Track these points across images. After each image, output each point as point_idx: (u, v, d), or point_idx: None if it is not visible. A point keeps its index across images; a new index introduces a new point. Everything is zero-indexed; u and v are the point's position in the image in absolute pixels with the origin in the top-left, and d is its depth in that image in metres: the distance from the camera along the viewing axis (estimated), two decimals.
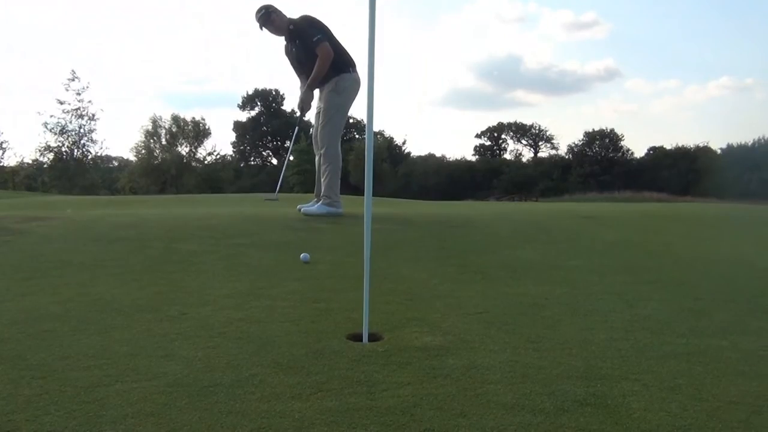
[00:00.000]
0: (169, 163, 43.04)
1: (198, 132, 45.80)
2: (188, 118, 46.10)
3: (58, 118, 31.95)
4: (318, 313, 2.70)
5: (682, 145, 57.11)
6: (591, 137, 61.33)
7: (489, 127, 71.48)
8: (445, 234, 5.44)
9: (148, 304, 2.82)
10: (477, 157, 68.98)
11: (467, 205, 13.08)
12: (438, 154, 68.27)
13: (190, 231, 4.94)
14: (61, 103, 31.90)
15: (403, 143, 61.56)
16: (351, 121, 65.99)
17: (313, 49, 5.54)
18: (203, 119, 46.41)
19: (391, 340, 2.34)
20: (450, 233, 5.50)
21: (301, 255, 3.43)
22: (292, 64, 5.96)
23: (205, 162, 46.19)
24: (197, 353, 2.14)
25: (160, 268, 3.62)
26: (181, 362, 2.04)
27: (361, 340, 2.33)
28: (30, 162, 33.87)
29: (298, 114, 6.25)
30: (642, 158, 60.47)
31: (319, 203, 5.85)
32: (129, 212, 6.86)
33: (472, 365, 2.06)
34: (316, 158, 6.00)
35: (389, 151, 53.62)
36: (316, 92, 5.94)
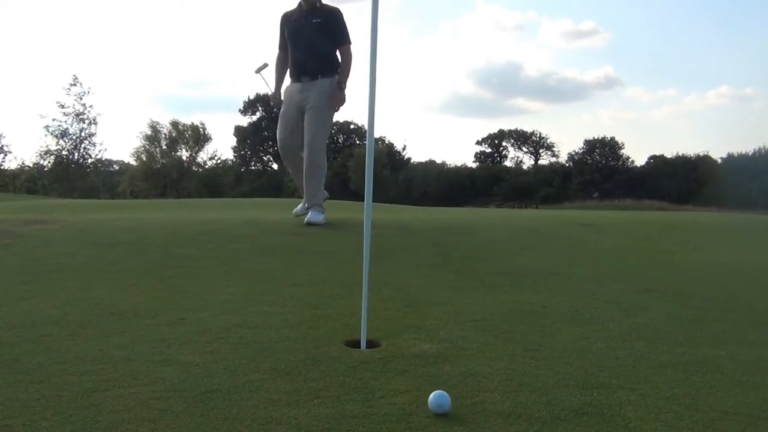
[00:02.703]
0: (169, 168, 43.13)
1: (198, 137, 45.90)
2: (188, 123, 46.29)
3: (60, 122, 32.04)
4: (316, 319, 2.70)
5: (683, 154, 57.18)
6: (591, 145, 61.37)
7: (490, 134, 71.49)
8: (445, 240, 5.44)
9: (147, 308, 2.82)
10: (477, 163, 69.02)
11: (467, 212, 13.08)
12: (438, 161, 68.35)
13: (189, 235, 4.94)
14: (62, 106, 31.99)
15: (404, 149, 61.54)
16: (351, 126, 65.95)
17: (341, 43, 5.44)
18: (203, 124, 46.59)
19: (388, 347, 2.34)
20: (449, 240, 5.50)
21: (433, 400, 1.76)
22: (288, 34, 5.53)
23: (206, 166, 46.29)
24: (195, 358, 2.14)
25: (159, 273, 3.62)
26: (178, 367, 2.05)
27: (359, 347, 2.34)
28: (30, 165, 33.95)
29: (273, 104, 5.85)
30: (642, 166, 60.50)
31: (315, 212, 5.56)
32: (128, 216, 6.86)
33: (469, 373, 2.06)
34: (298, 159, 5.60)
35: (389, 157, 53.62)
36: (285, 87, 5.68)
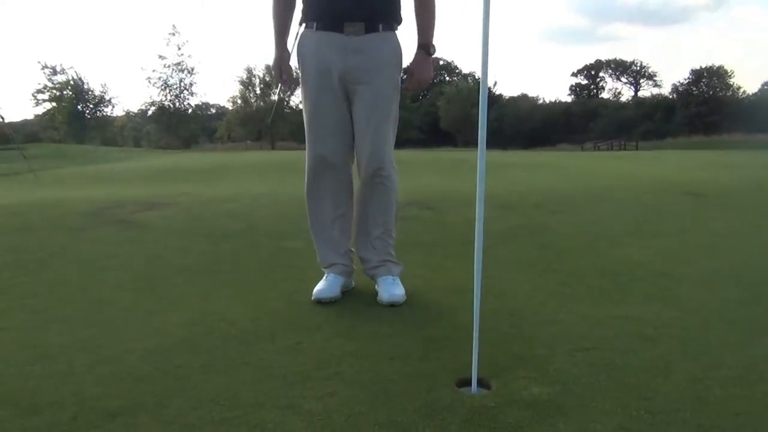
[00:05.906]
0: (263, 112, 44.19)
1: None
2: None
3: (160, 73, 33.45)
4: (425, 344, 2.70)
5: None
6: (698, 75, 57.41)
7: (586, 65, 68.38)
8: (543, 224, 5.35)
9: (266, 327, 2.89)
10: (573, 97, 66.29)
11: (560, 160, 12.64)
12: (531, 94, 66.17)
13: (299, 224, 5.03)
14: (162, 58, 33.29)
15: (494, 85, 59.92)
16: (441, 62, 64.43)
17: None
18: (296, 67, 46.89)
19: (499, 389, 2.33)
20: (548, 223, 5.41)
21: None
22: None
23: (299, 109, 46.94)
24: (317, 405, 2.18)
25: (272, 276, 3.74)
26: (303, 417, 2.11)
27: (469, 385, 2.34)
28: (135, 112, 35.94)
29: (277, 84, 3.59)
30: (755, 94, 56.06)
31: (394, 276, 3.32)
32: (238, 192, 7.13)
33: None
34: (343, 183, 3.26)
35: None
36: (299, 43, 3.25)
